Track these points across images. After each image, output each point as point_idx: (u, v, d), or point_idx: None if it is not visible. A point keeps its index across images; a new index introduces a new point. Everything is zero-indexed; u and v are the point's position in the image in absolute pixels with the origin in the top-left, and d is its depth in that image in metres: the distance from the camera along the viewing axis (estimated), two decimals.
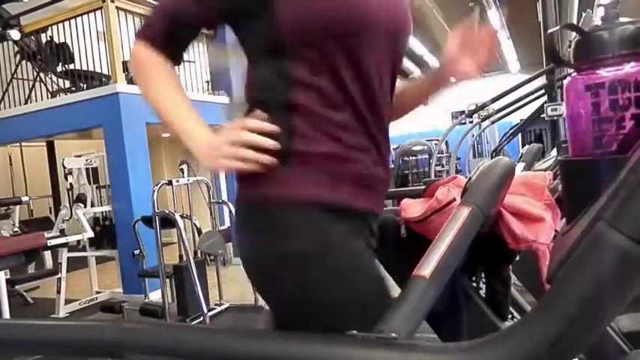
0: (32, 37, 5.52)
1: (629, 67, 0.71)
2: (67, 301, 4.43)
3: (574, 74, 0.78)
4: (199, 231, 3.95)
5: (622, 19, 0.77)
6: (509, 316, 1.21)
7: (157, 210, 3.62)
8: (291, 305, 0.83)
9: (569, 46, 0.82)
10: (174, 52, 0.87)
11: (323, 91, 0.81)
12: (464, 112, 6.45)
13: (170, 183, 3.84)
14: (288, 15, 0.79)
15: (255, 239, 0.84)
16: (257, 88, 0.86)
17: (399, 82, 1.02)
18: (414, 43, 9.14)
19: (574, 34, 0.82)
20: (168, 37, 0.85)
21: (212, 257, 4.57)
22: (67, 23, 5.26)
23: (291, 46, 0.80)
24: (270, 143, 0.79)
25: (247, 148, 0.79)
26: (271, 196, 0.81)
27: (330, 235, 0.81)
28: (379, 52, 0.85)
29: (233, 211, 4.26)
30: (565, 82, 0.80)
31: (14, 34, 5.30)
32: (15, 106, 5.71)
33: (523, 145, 8.87)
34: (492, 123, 7.17)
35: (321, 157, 0.81)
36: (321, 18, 0.79)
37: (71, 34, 5.29)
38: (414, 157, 9.16)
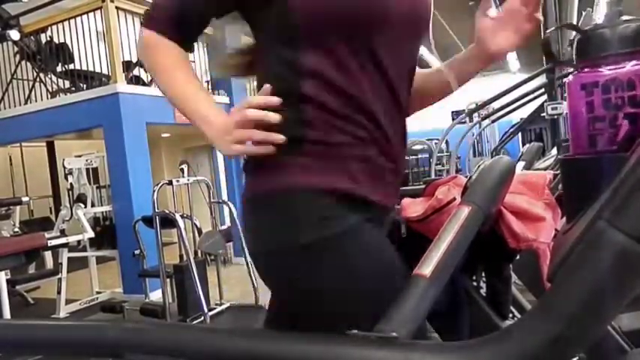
0: (32, 37, 5.52)
1: (629, 66, 0.71)
2: (68, 301, 4.43)
3: (574, 72, 0.79)
4: (200, 231, 3.95)
5: (623, 18, 0.77)
6: (510, 315, 1.21)
7: (157, 210, 3.62)
8: (303, 295, 0.82)
9: (570, 45, 0.82)
10: (184, 39, 0.86)
11: (334, 82, 0.79)
12: (464, 111, 6.44)
13: (170, 183, 3.84)
14: (300, 2, 0.77)
15: (268, 229, 0.82)
16: (268, 77, 0.84)
17: (424, 71, 1.01)
18: None
19: (574, 32, 0.82)
20: (179, 23, 0.83)
21: (212, 257, 4.57)
22: (66, 23, 5.26)
23: (302, 34, 0.79)
24: (275, 117, 0.77)
25: (256, 128, 0.77)
26: (283, 185, 0.80)
27: (345, 224, 0.79)
28: (397, 40, 0.83)
29: (233, 211, 4.27)
30: (566, 80, 0.80)
31: (14, 34, 5.30)
32: (15, 106, 5.71)
33: (523, 144, 8.87)
34: (492, 122, 7.16)
35: (332, 147, 0.80)
36: (336, 7, 0.77)
37: (71, 34, 5.29)
38: (414, 157, 9.16)
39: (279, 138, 0.77)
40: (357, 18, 0.78)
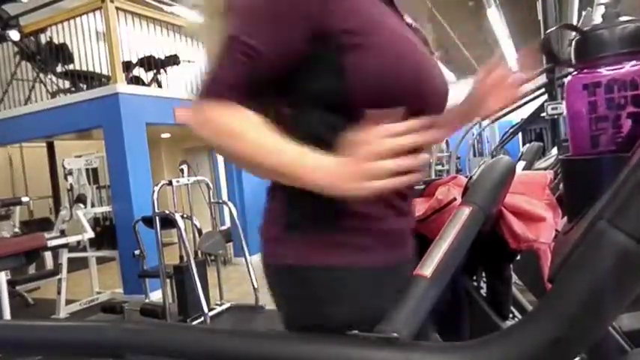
0: (32, 37, 5.52)
1: (628, 66, 0.71)
2: (68, 302, 4.43)
3: (574, 73, 0.79)
4: (200, 231, 3.95)
5: (622, 18, 0.77)
6: (511, 315, 1.21)
7: (157, 210, 3.62)
8: None
9: (569, 45, 0.82)
10: (247, 101, 0.75)
11: None
12: None
13: (170, 183, 3.84)
14: (358, 73, 0.74)
15: (310, 304, 0.78)
16: (301, 134, 0.76)
17: None
18: None
19: (574, 32, 0.82)
20: (242, 89, 0.74)
21: (212, 257, 4.57)
22: (66, 24, 5.26)
23: (352, 100, 0.75)
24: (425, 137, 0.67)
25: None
26: (331, 263, 0.76)
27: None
28: (428, 112, 0.82)
29: (233, 211, 4.27)
30: (566, 80, 0.80)
31: (14, 34, 5.30)
32: (15, 106, 5.71)
33: (523, 144, 8.87)
34: (492, 122, 7.16)
35: (366, 218, 0.78)
36: (392, 83, 0.75)
37: (71, 34, 5.29)
38: None
39: (425, 158, 0.68)
40: (415, 97, 0.77)
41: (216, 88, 0.73)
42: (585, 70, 0.76)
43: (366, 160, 0.66)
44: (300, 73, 0.77)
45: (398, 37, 0.78)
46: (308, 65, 0.76)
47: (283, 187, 0.80)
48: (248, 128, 0.72)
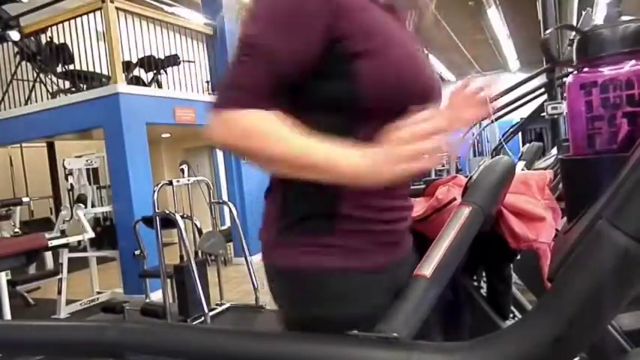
0: (32, 37, 5.52)
1: (628, 66, 0.71)
2: (68, 302, 4.43)
3: (575, 72, 0.79)
4: (200, 231, 3.95)
5: (623, 18, 0.77)
6: (511, 315, 1.21)
7: (157, 210, 3.62)
8: None
9: (570, 45, 0.82)
10: (267, 105, 0.74)
11: None
12: None
13: (170, 183, 3.84)
14: (366, 78, 0.76)
15: (310, 308, 0.80)
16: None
17: None
18: None
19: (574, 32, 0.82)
20: (262, 92, 0.74)
21: (213, 257, 4.58)
22: (66, 24, 5.26)
23: (363, 107, 0.77)
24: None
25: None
26: (323, 266, 0.78)
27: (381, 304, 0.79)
28: None
29: (233, 211, 4.28)
30: (566, 80, 0.80)
31: (14, 35, 5.30)
32: (15, 106, 5.71)
33: (523, 144, 8.87)
34: (492, 122, 7.15)
35: (365, 221, 0.79)
36: (399, 87, 0.78)
37: (71, 34, 5.29)
38: None
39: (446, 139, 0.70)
40: (415, 96, 0.80)
41: (236, 93, 0.73)
42: (585, 70, 0.76)
43: (400, 144, 0.67)
44: (312, 78, 0.78)
45: (399, 45, 0.81)
46: (320, 70, 0.77)
47: (279, 190, 0.82)
48: (275, 130, 0.72)
